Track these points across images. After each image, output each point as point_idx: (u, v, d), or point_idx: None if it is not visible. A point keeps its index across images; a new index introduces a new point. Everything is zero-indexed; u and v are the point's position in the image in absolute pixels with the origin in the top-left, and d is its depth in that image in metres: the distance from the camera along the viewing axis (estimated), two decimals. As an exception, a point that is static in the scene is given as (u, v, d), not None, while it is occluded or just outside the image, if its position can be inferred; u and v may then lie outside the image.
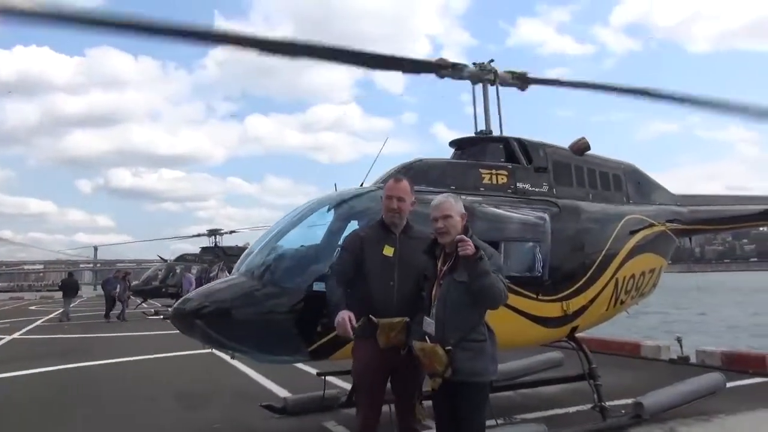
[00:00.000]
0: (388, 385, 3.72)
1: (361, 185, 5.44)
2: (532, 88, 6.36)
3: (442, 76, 5.90)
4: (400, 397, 3.69)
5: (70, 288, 22.51)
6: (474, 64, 6.13)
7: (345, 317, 3.57)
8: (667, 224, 7.04)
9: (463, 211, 3.52)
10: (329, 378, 5.86)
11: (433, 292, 3.43)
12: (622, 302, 6.37)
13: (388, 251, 3.63)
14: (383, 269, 3.61)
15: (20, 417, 6.53)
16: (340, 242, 4.17)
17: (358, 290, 3.66)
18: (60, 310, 22.55)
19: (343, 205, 5.14)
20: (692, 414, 5.63)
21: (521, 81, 6.24)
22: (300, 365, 7.18)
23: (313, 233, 5.10)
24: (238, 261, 5.29)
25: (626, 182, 6.85)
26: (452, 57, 6.12)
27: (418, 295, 3.55)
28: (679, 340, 9.12)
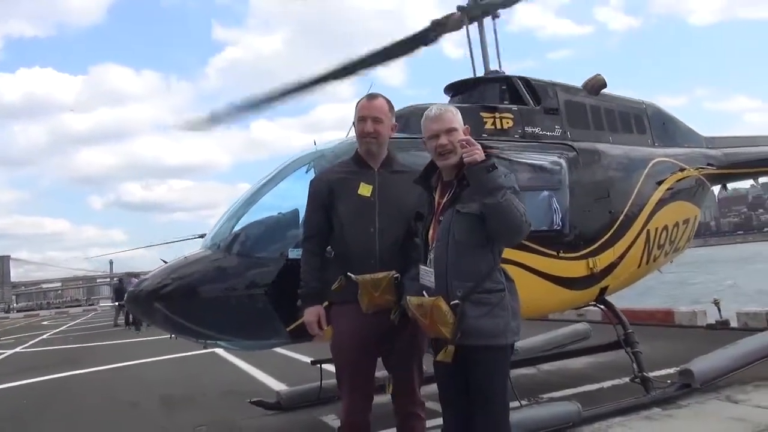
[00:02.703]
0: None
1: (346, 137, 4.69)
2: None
3: (436, 39, 5.76)
4: (395, 376, 2.89)
5: (119, 294, 23.41)
6: (458, 7, 5.60)
7: (313, 318, 2.85)
8: (700, 169, 6.22)
9: (465, 125, 2.69)
10: (326, 366, 5.16)
11: (431, 234, 2.61)
12: (655, 258, 5.57)
13: (365, 190, 2.84)
14: (360, 213, 2.83)
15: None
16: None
17: (332, 243, 2.90)
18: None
19: (323, 160, 4.39)
20: (751, 379, 4.82)
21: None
22: (297, 354, 6.52)
23: (289, 195, 4.36)
24: (206, 235, 4.59)
25: (650, 123, 6.03)
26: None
27: (410, 242, 2.77)
28: (716, 303, 8.29)
